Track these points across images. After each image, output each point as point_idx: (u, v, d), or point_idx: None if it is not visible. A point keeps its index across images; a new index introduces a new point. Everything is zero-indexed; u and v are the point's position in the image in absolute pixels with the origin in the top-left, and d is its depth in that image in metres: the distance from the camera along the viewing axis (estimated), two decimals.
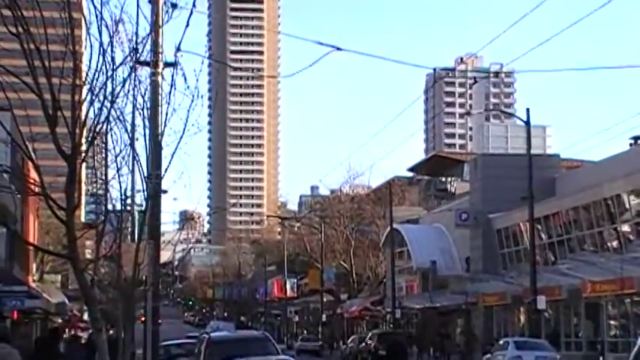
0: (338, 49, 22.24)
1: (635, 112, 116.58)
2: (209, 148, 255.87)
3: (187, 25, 17.38)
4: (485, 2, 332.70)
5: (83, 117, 14.65)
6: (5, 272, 41.02)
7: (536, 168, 44.01)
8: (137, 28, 16.43)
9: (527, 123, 43.55)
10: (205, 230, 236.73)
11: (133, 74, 16.98)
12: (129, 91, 17.25)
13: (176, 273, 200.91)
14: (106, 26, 14.68)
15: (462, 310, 57.30)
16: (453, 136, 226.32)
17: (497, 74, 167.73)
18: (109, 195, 22.68)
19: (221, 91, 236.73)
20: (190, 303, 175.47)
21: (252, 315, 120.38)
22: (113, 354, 19.41)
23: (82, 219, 55.41)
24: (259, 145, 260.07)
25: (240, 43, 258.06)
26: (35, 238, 52.60)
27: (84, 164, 15.56)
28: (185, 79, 17.11)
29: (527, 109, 43.31)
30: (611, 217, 44.83)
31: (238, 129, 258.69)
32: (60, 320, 62.48)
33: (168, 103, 17.61)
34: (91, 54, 14.62)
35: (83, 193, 16.32)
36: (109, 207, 22.61)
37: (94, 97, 14.65)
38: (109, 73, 14.71)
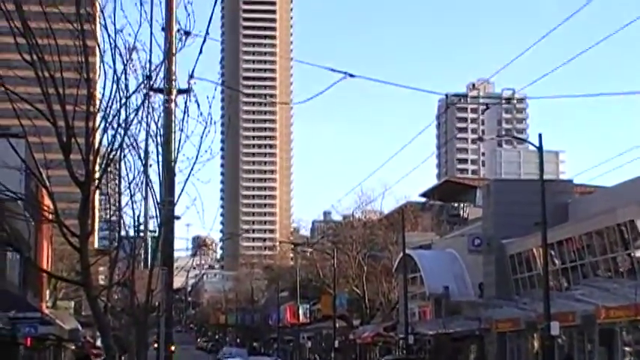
0: (350, 75, 22.31)
1: None
2: (222, 174, 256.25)
3: (200, 52, 17.50)
4: (497, 28, 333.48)
5: (97, 144, 14.74)
6: (19, 299, 41.10)
7: (549, 193, 43.90)
8: (151, 56, 16.55)
9: (540, 148, 43.46)
10: (218, 256, 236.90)
11: (147, 101, 17.07)
12: (142, 118, 17.34)
13: (189, 299, 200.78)
14: (120, 54, 14.81)
15: (476, 336, 57.04)
16: (465, 161, 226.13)
17: (509, 100, 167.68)
18: (122, 221, 22.76)
19: (234, 118, 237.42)
20: (203, 329, 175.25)
21: (264, 341, 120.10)
22: None
23: (96, 245, 55.53)
24: (272, 171, 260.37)
25: (253, 70, 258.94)
26: (49, 265, 52.70)
27: (97, 191, 15.62)
28: (198, 105, 17.19)
29: (540, 135, 43.25)
30: (624, 243, 44.63)
31: (251, 155, 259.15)
32: (73, 347, 62.51)
33: (182, 130, 17.67)
34: (105, 81, 14.75)
35: (96, 219, 16.35)
36: (123, 233, 22.68)
37: (107, 125, 14.75)
38: (123, 101, 14.81)
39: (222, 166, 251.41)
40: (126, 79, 14.89)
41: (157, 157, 18.79)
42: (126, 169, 19.18)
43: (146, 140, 19.08)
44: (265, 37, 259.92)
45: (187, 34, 16.60)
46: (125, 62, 14.88)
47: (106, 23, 14.60)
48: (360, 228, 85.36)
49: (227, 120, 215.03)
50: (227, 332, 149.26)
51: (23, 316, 37.23)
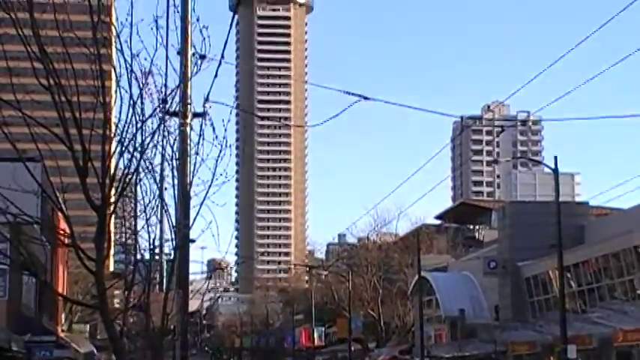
0: (365, 98, 22.34)
1: None
2: (237, 197, 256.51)
3: (216, 75, 17.57)
4: (512, 50, 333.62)
5: (113, 168, 14.79)
6: (34, 322, 41.17)
7: (565, 216, 43.77)
8: (166, 80, 16.61)
9: (556, 170, 43.39)
10: (233, 279, 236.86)
11: (162, 125, 17.11)
12: (158, 141, 17.36)
13: (204, 322, 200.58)
14: (136, 78, 14.86)
15: (492, 359, 56.80)
16: (480, 183, 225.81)
17: (524, 122, 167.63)
18: (137, 245, 22.78)
19: (249, 141, 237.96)
20: (218, 352, 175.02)
21: None
22: None
23: (111, 268, 55.61)
24: (287, 194, 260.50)
25: (268, 93, 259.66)
26: (64, 289, 52.76)
27: (113, 214, 15.65)
28: (213, 129, 17.22)
29: (555, 157, 43.17)
30: None
31: (266, 177, 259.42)
32: None
33: (197, 154, 17.69)
34: (121, 105, 14.80)
35: (112, 243, 16.39)
36: (138, 257, 22.69)
37: (123, 149, 14.79)
38: (139, 125, 14.85)
39: (237, 189, 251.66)
40: (142, 103, 14.95)
41: (173, 180, 18.83)
42: (141, 193, 19.22)
43: (162, 164, 19.12)
44: (280, 60, 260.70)
45: (203, 57, 16.67)
46: (141, 86, 14.94)
47: (122, 48, 14.68)
48: (375, 250, 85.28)
49: (242, 143, 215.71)
50: (242, 355, 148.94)
51: (39, 339, 37.29)
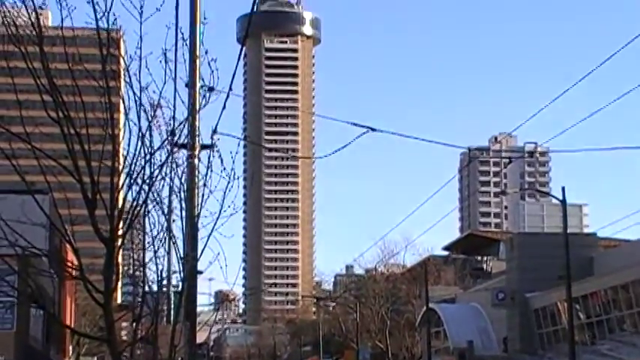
0: (372, 129, 22.38)
1: None
2: (244, 228, 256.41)
3: (224, 107, 17.63)
4: (520, 81, 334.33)
5: (121, 200, 14.83)
6: (42, 355, 41.12)
7: (573, 247, 43.64)
8: (175, 112, 16.68)
9: (563, 202, 43.33)
10: (240, 310, 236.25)
11: (171, 157, 17.16)
12: (166, 174, 17.42)
13: (211, 354, 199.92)
14: (145, 111, 14.95)
15: None
16: (488, 214, 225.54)
17: (531, 154, 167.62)
18: (145, 277, 22.76)
19: (256, 172, 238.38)
20: None
21: None
22: None
23: (119, 300, 55.57)
24: (294, 225, 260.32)
25: (275, 124, 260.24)
26: (72, 321, 52.71)
27: (121, 246, 15.67)
28: (221, 161, 17.27)
29: (563, 188, 43.13)
30: None
31: (273, 209, 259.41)
32: None
33: (205, 185, 17.73)
34: (130, 138, 14.86)
35: (120, 275, 16.41)
36: (146, 289, 22.67)
37: (132, 181, 14.84)
38: (147, 157, 14.91)
39: (244, 220, 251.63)
40: (150, 135, 15.03)
41: (181, 212, 18.83)
42: (150, 225, 19.24)
43: (170, 196, 19.15)
44: (287, 92, 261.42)
45: (211, 90, 16.74)
46: (150, 119, 15.02)
47: (131, 81, 14.77)
48: (382, 282, 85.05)
49: (250, 175, 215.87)
50: None
51: None
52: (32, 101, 13.50)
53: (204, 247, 18.16)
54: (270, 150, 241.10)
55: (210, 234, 17.79)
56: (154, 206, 17.93)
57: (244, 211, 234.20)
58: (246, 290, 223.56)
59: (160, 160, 15.90)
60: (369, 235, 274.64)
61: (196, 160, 18.21)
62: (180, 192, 18.63)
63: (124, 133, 14.90)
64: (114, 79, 14.61)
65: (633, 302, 45.56)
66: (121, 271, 16.52)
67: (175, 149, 17.45)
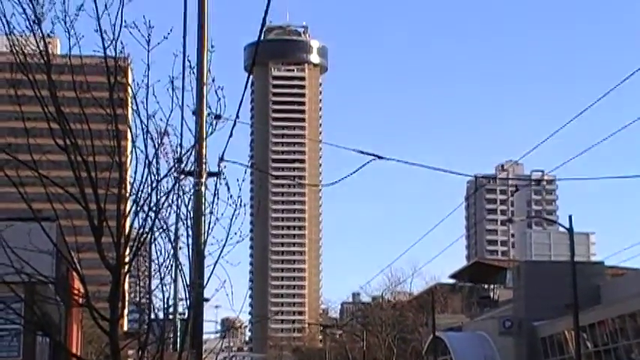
0: (379, 157, 22.40)
1: None
2: (251, 255, 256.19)
3: (231, 135, 17.66)
4: (527, 109, 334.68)
5: (128, 227, 14.84)
6: None
7: (581, 275, 43.55)
8: (181, 140, 16.70)
9: (570, 230, 43.27)
10: (247, 338, 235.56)
11: (177, 185, 17.17)
12: (173, 201, 17.42)
13: None
14: (152, 138, 14.97)
15: None
16: (495, 242, 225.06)
17: (538, 182, 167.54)
18: (152, 304, 22.70)
19: (263, 199, 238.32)
20: None
21: None
22: None
23: (125, 328, 55.47)
24: (301, 252, 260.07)
25: (282, 152, 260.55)
26: (78, 348, 52.54)
27: (127, 274, 15.67)
28: (228, 188, 17.26)
29: (570, 216, 43.10)
30: None
31: (280, 236, 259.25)
32: None
33: (212, 213, 17.71)
34: (137, 165, 14.89)
35: (126, 302, 16.41)
36: (152, 316, 22.61)
37: (138, 208, 14.86)
38: (154, 185, 14.93)
39: (251, 247, 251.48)
40: (157, 162, 15.05)
41: (187, 239, 18.82)
42: (156, 252, 19.24)
43: (176, 223, 19.12)
44: (294, 119, 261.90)
45: (218, 117, 16.77)
46: (157, 146, 15.05)
47: (138, 108, 14.81)
48: (389, 309, 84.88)
49: (256, 202, 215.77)
50: None
51: None
52: (40, 129, 13.55)
53: (211, 274, 18.13)
54: (277, 177, 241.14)
55: (216, 261, 17.76)
56: (160, 233, 17.90)
57: (251, 239, 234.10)
58: (252, 318, 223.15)
59: (167, 188, 15.92)
60: (376, 262, 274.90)
61: (203, 188, 18.23)
62: (186, 219, 18.62)
63: (131, 160, 14.93)
64: (121, 106, 14.66)
65: None
66: (127, 298, 16.50)
67: (182, 177, 17.48)
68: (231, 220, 17.16)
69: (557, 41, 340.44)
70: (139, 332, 23.70)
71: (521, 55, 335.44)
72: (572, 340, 47.19)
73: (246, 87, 17.46)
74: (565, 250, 57.67)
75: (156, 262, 19.23)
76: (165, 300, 21.63)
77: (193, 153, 17.26)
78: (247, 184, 19.87)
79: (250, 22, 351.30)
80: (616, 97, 24.23)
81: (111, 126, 14.12)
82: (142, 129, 14.79)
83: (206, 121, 17.56)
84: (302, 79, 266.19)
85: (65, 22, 14.04)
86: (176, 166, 16.46)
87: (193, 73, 16.87)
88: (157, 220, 15.68)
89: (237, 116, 17.02)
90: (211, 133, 17.23)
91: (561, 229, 59.80)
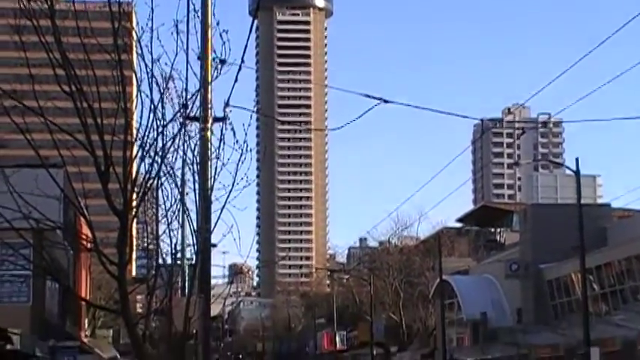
0: (385, 101, 22.34)
1: None
2: (258, 201, 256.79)
3: (236, 80, 17.60)
4: (533, 52, 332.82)
5: (134, 173, 14.86)
6: (58, 328, 41.34)
7: (587, 218, 43.54)
8: (187, 84, 16.67)
9: (577, 173, 43.22)
10: (254, 283, 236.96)
11: (183, 130, 17.18)
12: (179, 146, 17.44)
13: (226, 326, 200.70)
14: (157, 83, 14.94)
15: None
16: (501, 186, 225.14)
17: (545, 124, 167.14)
18: (159, 250, 22.84)
19: (269, 145, 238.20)
20: (240, 356, 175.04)
21: None
22: None
23: (133, 274, 55.83)
24: (307, 198, 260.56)
25: (288, 97, 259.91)
26: (87, 294, 52.98)
27: (135, 219, 15.72)
28: (234, 133, 17.26)
29: (577, 159, 42.96)
30: None
31: (286, 182, 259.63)
32: None
33: (218, 158, 17.75)
34: (142, 111, 14.87)
35: (134, 248, 16.49)
36: (160, 261, 22.76)
37: (144, 154, 14.88)
38: (160, 130, 14.94)
39: (258, 193, 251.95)
40: (162, 107, 15.05)
41: (194, 185, 18.87)
42: (163, 198, 19.30)
43: (182, 168, 19.17)
44: (300, 64, 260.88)
45: (223, 62, 16.71)
46: (162, 91, 15.02)
47: (142, 53, 14.76)
48: (396, 254, 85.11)
49: (263, 147, 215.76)
50: None
51: (62, 345, 37.42)
52: (45, 75, 13.52)
53: (218, 219, 18.22)
54: (283, 122, 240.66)
55: (223, 206, 17.83)
56: (166, 179, 17.98)
57: (257, 184, 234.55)
58: (259, 263, 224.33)
59: (173, 133, 15.94)
60: (383, 207, 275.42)
61: (209, 133, 18.23)
62: (193, 164, 18.68)
63: (137, 105, 14.91)
64: (126, 52, 14.60)
65: None
66: (135, 243, 16.60)
67: (188, 122, 17.47)
68: (238, 164, 17.21)
69: None
70: (147, 277, 23.88)
71: None
72: (578, 282, 47.37)
73: (250, 31, 17.35)
74: (572, 193, 57.70)
75: (163, 207, 19.32)
76: (173, 245, 21.80)
77: (199, 98, 17.23)
78: (253, 129, 19.84)
79: None
80: (623, 38, 24.09)
81: (116, 72, 14.07)
82: (147, 73, 14.78)
83: (211, 66, 17.51)
84: (307, 23, 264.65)
85: None
86: (181, 111, 16.44)
87: (198, 16, 16.78)
88: (163, 165, 15.73)
89: (243, 61, 16.95)
90: (216, 77, 17.19)
91: (568, 171, 59.78)
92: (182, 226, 22.79)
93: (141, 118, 15.00)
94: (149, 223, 25.39)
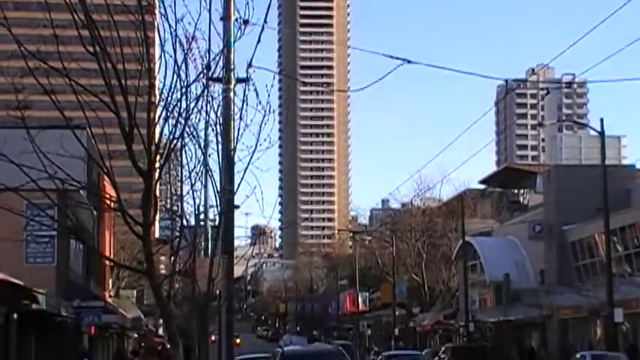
0: (408, 62, 22.26)
1: None
2: (280, 163, 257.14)
3: (259, 41, 17.59)
4: (557, 12, 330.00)
5: (158, 134, 14.89)
6: (83, 288, 41.74)
7: (611, 179, 43.38)
8: (210, 45, 16.63)
9: (602, 133, 43.01)
10: (277, 245, 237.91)
11: (206, 91, 17.18)
12: (202, 107, 17.47)
13: (249, 288, 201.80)
14: (180, 43, 14.91)
15: (537, 324, 56.64)
16: (525, 147, 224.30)
17: (569, 85, 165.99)
18: (183, 210, 22.94)
19: (292, 106, 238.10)
20: (263, 317, 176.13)
21: (324, 329, 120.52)
22: None
23: (157, 235, 56.13)
24: (330, 160, 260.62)
25: (310, 58, 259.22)
26: (111, 254, 53.34)
27: (159, 180, 15.78)
28: (257, 94, 17.26)
29: (601, 119, 42.78)
30: None
31: (309, 143, 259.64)
32: (135, 335, 63.24)
33: (241, 119, 17.77)
34: (166, 72, 14.87)
35: (158, 209, 16.55)
36: (184, 222, 22.85)
37: (168, 114, 14.89)
38: (183, 90, 14.94)
39: (280, 155, 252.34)
40: (186, 68, 15.03)
41: (217, 146, 18.92)
42: (186, 159, 19.36)
43: (205, 129, 19.22)
44: (322, 25, 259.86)
45: (246, 22, 16.67)
46: (185, 52, 15.00)
47: (166, 12, 14.73)
48: (418, 216, 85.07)
49: (285, 109, 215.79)
50: (287, 321, 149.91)
51: (87, 305, 37.80)
52: (69, 36, 13.50)
53: (241, 180, 18.27)
54: (305, 84, 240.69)
55: (246, 167, 17.88)
56: (190, 139, 18.03)
57: (280, 146, 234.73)
58: (282, 224, 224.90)
59: (196, 94, 15.93)
60: (405, 168, 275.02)
61: (232, 94, 18.24)
62: (216, 125, 18.71)
63: (160, 66, 14.90)
64: (149, 12, 14.57)
65: None
66: (158, 204, 16.65)
67: (211, 83, 17.46)
68: (260, 126, 17.22)
69: None
70: (171, 238, 24.00)
71: None
72: (602, 243, 47.24)
73: None
74: (596, 154, 57.36)
75: (186, 168, 19.39)
76: (196, 206, 21.88)
77: (222, 58, 17.20)
78: (275, 90, 19.85)
79: None
80: None
81: (139, 32, 14.05)
82: (171, 33, 14.75)
83: (234, 26, 17.46)
84: None
85: None
86: (205, 71, 16.43)
87: None
88: (186, 127, 15.74)
89: (266, 21, 16.91)
90: (239, 38, 17.16)
91: (592, 132, 59.58)
92: (205, 187, 22.89)
93: (164, 78, 15.01)
94: (173, 184, 25.47)
